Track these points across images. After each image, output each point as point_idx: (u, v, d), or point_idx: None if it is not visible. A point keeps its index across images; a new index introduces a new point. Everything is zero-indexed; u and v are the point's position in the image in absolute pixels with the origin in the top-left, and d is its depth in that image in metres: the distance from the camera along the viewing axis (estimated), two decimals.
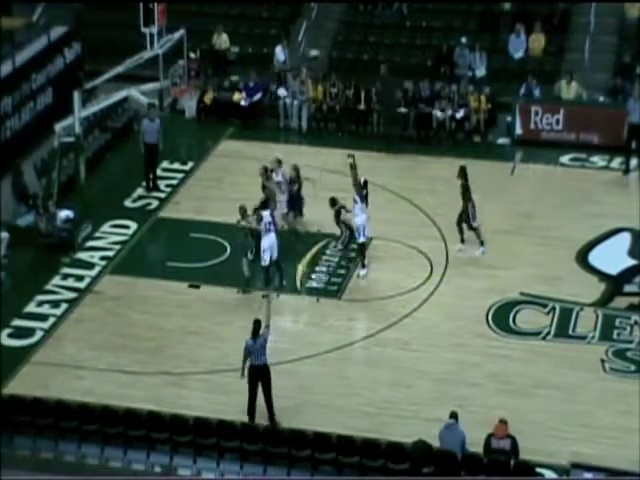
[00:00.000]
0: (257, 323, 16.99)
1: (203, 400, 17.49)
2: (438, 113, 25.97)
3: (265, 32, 29.24)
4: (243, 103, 26.90)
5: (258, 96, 27.02)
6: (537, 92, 26.18)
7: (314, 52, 27.93)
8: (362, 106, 26.55)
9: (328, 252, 21.56)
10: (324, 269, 21.01)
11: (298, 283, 20.71)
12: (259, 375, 16.73)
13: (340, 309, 19.75)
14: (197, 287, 20.34)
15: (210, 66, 28.05)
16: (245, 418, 16.54)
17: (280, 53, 27.59)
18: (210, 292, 19.86)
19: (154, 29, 26.24)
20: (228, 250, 21.48)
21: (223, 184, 24.05)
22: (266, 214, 20.06)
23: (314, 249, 21.59)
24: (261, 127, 26.85)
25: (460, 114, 25.94)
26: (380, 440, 15.75)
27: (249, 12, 29.64)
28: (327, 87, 26.82)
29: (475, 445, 15.70)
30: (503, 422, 15.71)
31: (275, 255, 19.99)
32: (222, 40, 28.55)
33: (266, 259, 19.91)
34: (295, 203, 22.03)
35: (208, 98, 27.09)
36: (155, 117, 23.69)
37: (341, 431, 16.13)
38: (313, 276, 20.77)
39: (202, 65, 27.79)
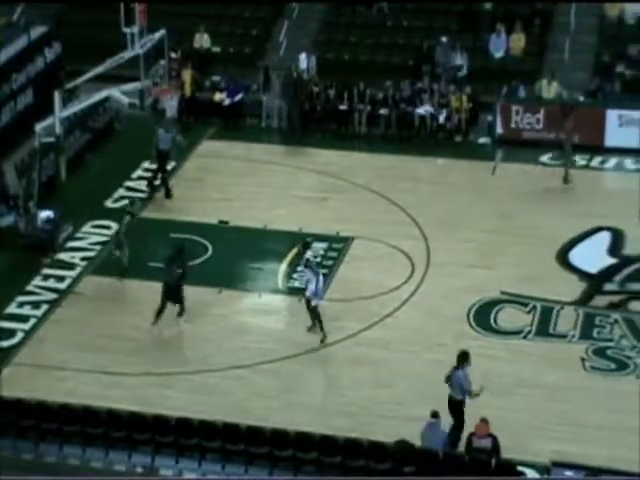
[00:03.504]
0: None
1: (185, 400, 17.48)
2: (421, 110, 26.00)
3: (247, 32, 29.23)
4: (225, 103, 26.90)
5: (239, 96, 27.01)
6: (522, 93, 26.29)
7: None
8: (344, 106, 26.59)
9: (310, 251, 21.52)
10: (316, 256, 20.90)
11: (280, 283, 20.73)
12: None
13: (323, 309, 19.73)
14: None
15: (191, 66, 27.94)
16: (228, 418, 16.50)
17: (303, 60, 27.43)
18: (192, 292, 19.84)
19: (135, 29, 26.20)
20: (209, 250, 21.48)
21: (204, 184, 24.04)
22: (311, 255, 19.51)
23: (296, 248, 21.60)
24: (242, 127, 26.85)
25: (443, 115, 26.02)
26: (362, 440, 15.76)
27: (231, 12, 29.62)
28: (309, 87, 26.84)
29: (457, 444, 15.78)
30: (484, 421, 15.76)
31: None
32: (204, 40, 28.53)
33: None
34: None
35: (188, 89, 26.90)
36: (171, 128, 23.99)
37: (323, 431, 16.13)
38: (295, 275, 20.78)
39: (183, 65, 27.71)
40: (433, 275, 20.81)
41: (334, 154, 25.60)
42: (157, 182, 23.82)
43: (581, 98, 26.40)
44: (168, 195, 23.62)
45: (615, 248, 21.42)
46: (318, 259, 20.41)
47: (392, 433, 16.07)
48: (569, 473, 15.39)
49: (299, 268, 20.25)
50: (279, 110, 26.78)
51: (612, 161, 24.80)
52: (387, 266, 21.11)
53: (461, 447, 15.78)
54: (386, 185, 23.96)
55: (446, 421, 16.05)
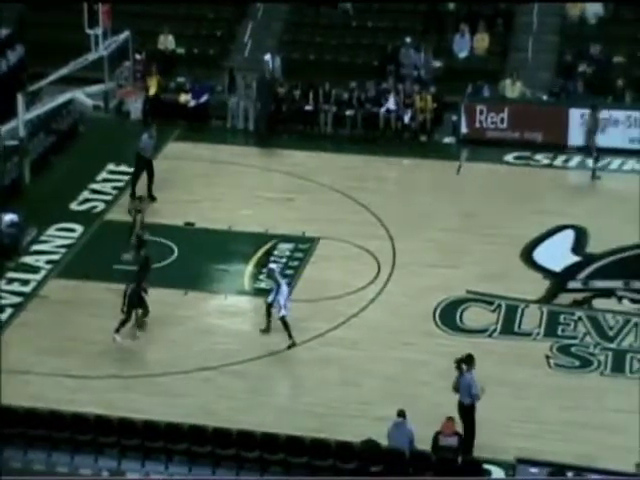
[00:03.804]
0: None
1: (151, 403, 17.43)
2: (386, 107, 26.10)
3: (211, 33, 29.19)
4: (190, 104, 26.86)
5: (205, 97, 26.98)
6: (486, 92, 26.44)
7: None
8: (310, 106, 26.64)
9: (276, 252, 21.59)
10: (279, 265, 20.95)
11: (246, 284, 20.73)
12: None
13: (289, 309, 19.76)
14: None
15: (156, 68, 27.86)
16: (194, 420, 16.48)
17: (268, 61, 27.42)
18: (158, 294, 19.80)
19: (99, 30, 26.15)
20: (175, 252, 21.44)
21: (169, 186, 23.95)
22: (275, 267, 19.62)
23: (262, 249, 21.61)
24: (208, 128, 26.81)
25: (407, 115, 26.13)
26: (329, 440, 15.82)
27: (195, 13, 29.54)
28: (273, 87, 26.86)
29: (423, 443, 15.81)
30: (450, 419, 15.88)
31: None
32: (168, 41, 28.46)
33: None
34: None
35: (152, 90, 26.85)
36: (153, 134, 23.67)
37: (290, 431, 16.18)
38: (261, 277, 20.78)
39: (148, 67, 27.64)
40: (399, 275, 20.89)
41: (300, 155, 25.63)
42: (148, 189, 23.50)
43: (544, 97, 26.61)
44: (134, 197, 23.48)
45: (579, 246, 21.59)
46: (281, 267, 20.25)
47: (359, 433, 16.12)
48: (534, 470, 15.51)
49: (262, 276, 20.18)
50: (245, 111, 26.76)
51: (575, 160, 24.99)
52: (353, 266, 21.16)
53: (428, 445, 15.81)
54: (352, 185, 24.02)
55: (414, 420, 16.05)
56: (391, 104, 26.30)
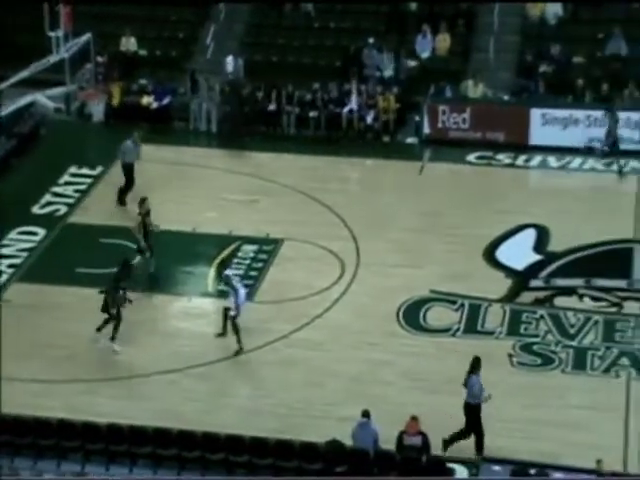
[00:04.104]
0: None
1: (116, 407, 17.38)
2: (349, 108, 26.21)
3: (173, 35, 29.11)
4: (152, 106, 26.80)
5: (167, 99, 26.94)
6: (448, 93, 26.60)
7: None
8: (272, 108, 26.66)
9: (240, 255, 21.60)
10: (236, 272, 21.01)
11: (210, 286, 20.73)
12: None
13: (253, 311, 19.76)
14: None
15: (118, 70, 27.80)
16: (159, 423, 16.45)
17: (231, 63, 27.42)
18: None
19: (60, 33, 26.03)
20: (138, 255, 21.39)
21: (133, 188, 23.86)
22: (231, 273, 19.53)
23: (226, 251, 21.61)
24: (170, 130, 26.76)
25: (370, 116, 26.23)
26: (293, 441, 15.86)
27: (157, 15, 29.44)
28: (236, 89, 26.84)
29: (388, 442, 15.89)
30: (414, 419, 15.93)
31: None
32: (130, 43, 28.37)
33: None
34: None
35: (115, 100, 26.88)
36: (137, 140, 23.50)
37: (255, 433, 16.21)
38: (219, 285, 20.71)
39: (110, 69, 27.56)
40: (363, 275, 20.97)
41: (263, 156, 25.66)
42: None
43: (506, 97, 26.80)
44: (122, 203, 23.26)
45: (540, 245, 21.77)
46: (236, 272, 20.14)
47: (324, 433, 16.17)
48: (497, 468, 15.66)
49: (220, 286, 20.13)
50: (207, 113, 26.74)
51: (536, 159, 25.18)
52: (317, 267, 21.21)
53: (392, 445, 15.88)
54: (315, 186, 24.07)
55: (379, 420, 16.11)
56: (354, 105, 26.40)
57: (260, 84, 26.90)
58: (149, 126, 26.55)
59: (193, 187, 24.12)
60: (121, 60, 28.13)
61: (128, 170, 23.34)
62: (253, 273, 21.04)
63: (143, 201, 21.02)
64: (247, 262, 21.37)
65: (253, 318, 19.45)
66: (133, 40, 28.37)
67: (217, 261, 21.29)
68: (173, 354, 18.79)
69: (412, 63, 27.40)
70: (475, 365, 16.50)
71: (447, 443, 16.25)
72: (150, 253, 20.76)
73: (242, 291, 19.03)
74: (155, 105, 26.82)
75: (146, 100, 26.91)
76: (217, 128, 26.69)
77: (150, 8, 29.31)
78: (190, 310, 20.14)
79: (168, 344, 19.09)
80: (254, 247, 21.77)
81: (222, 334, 19.10)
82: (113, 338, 18.76)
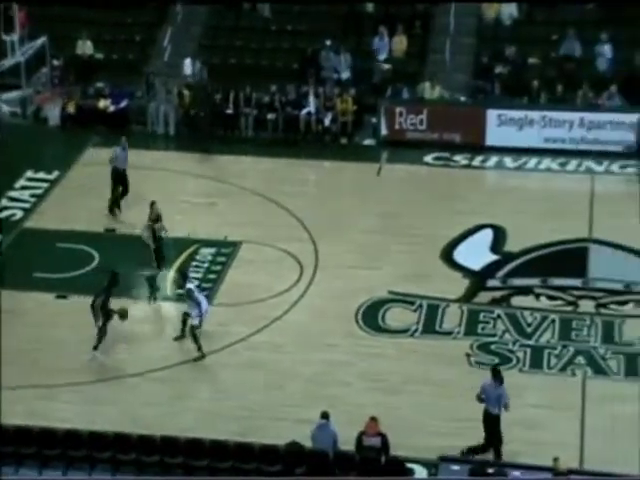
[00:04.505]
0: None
1: (75, 412, 17.32)
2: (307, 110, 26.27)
3: (130, 38, 29.02)
4: (109, 110, 26.71)
5: (124, 102, 26.85)
6: (405, 94, 26.75)
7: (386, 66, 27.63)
8: (230, 110, 26.67)
9: (198, 258, 21.59)
10: (195, 275, 21.00)
11: (169, 290, 20.69)
12: None
13: (212, 314, 19.74)
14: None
15: (74, 73, 27.67)
16: (118, 428, 16.39)
17: (189, 65, 27.36)
18: (78, 302, 19.67)
19: (15, 36, 25.86)
20: (96, 259, 21.31)
21: (90, 192, 23.78)
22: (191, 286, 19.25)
23: (184, 255, 21.58)
24: (128, 134, 26.62)
25: (328, 118, 26.31)
26: (253, 443, 15.88)
27: (113, 18, 29.32)
28: (194, 92, 26.82)
29: (347, 443, 15.94)
30: (373, 420, 15.99)
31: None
32: (86, 46, 28.24)
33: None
34: None
35: (72, 106, 26.76)
36: (126, 145, 23.22)
37: (215, 436, 16.20)
38: (181, 296, 20.67)
39: (66, 72, 27.42)
40: (321, 277, 21.03)
41: (221, 159, 25.67)
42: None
43: (462, 99, 26.99)
44: (113, 212, 22.96)
45: (497, 245, 21.95)
46: (197, 284, 19.83)
47: (283, 435, 16.19)
48: (456, 468, 15.76)
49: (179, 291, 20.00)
50: (165, 116, 26.70)
51: (493, 160, 25.41)
52: (276, 269, 21.25)
53: (352, 446, 15.94)
54: (273, 189, 24.11)
55: (338, 422, 16.16)
56: (311, 107, 26.48)
57: (218, 87, 26.90)
58: (106, 130, 26.50)
59: (151, 190, 23.97)
60: (77, 64, 28.00)
61: (120, 177, 22.96)
62: (211, 276, 21.03)
63: (152, 205, 20.71)
64: (205, 265, 21.37)
65: (212, 321, 19.42)
66: (89, 43, 28.25)
67: (175, 266, 21.23)
68: (132, 358, 18.75)
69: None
70: (495, 375, 16.38)
71: (468, 452, 16.23)
72: (158, 260, 20.54)
73: (204, 303, 18.95)
74: (112, 108, 26.74)
75: (103, 103, 26.82)
76: (175, 131, 26.65)
77: (106, 11, 29.19)
78: (149, 314, 20.09)
79: (128, 348, 19.04)
80: (212, 250, 21.77)
81: (180, 337, 19.08)
82: (96, 348, 18.65)
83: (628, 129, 25.19)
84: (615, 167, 24.95)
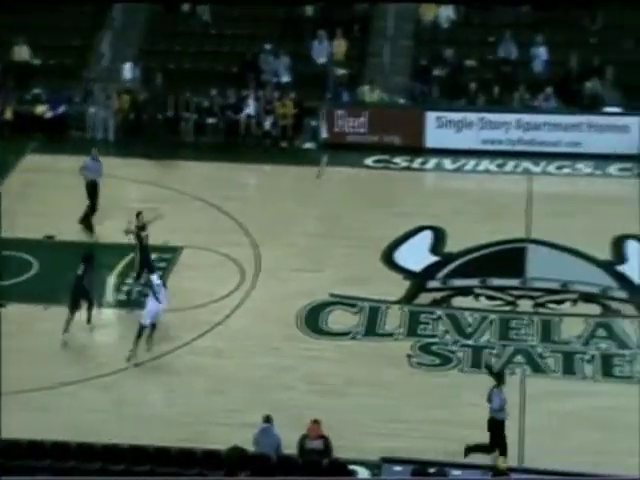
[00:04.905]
0: None
1: (14, 421, 17.09)
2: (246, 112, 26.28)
3: (68, 43, 28.79)
4: (47, 115, 26.49)
5: (62, 108, 26.65)
6: (345, 97, 26.90)
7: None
8: (170, 115, 26.60)
9: (154, 275, 21.42)
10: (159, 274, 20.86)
11: (110, 296, 20.58)
12: None
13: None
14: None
15: (11, 79, 27.39)
16: (59, 436, 16.24)
17: (129, 70, 27.19)
18: (17, 310, 19.50)
19: None
20: (35, 266, 21.12)
21: (28, 199, 23.59)
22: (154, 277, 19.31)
23: (125, 260, 21.47)
24: (67, 140, 26.48)
25: (268, 122, 26.37)
26: (196, 449, 15.84)
27: (51, 23, 29.06)
28: (134, 97, 26.72)
29: (290, 447, 15.98)
30: (316, 422, 16.03)
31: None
32: (23, 52, 27.97)
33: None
34: None
35: (9, 112, 26.49)
36: (97, 156, 22.89)
37: (158, 442, 16.13)
38: (125, 288, 20.66)
39: (3, 78, 27.15)
40: (263, 281, 21.06)
41: (162, 164, 25.57)
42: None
43: (401, 101, 27.20)
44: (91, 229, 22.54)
45: (437, 246, 22.15)
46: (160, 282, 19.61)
47: (226, 440, 16.14)
48: (398, 468, 15.87)
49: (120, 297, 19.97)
50: (104, 121, 26.55)
51: (432, 162, 25.65)
52: (217, 274, 21.24)
53: (295, 450, 16.00)
54: (214, 193, 24.10)
55: (281, 425, 16.17)
56: (251, 111, 26.50)
57: (157, 91, 26.81)
58: (44, 136, 26.28)
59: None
60: (15, 69, 27.72)
61: (93, 189, 22.56)
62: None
63: (138, 215, 20.49)
64: (158, 282, 21.22)
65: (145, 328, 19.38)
66: (26, 49, 27.98)
67: (116, 272, 21.13)
68: (72, 365, 18.62)
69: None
70: (498, 379, 16.36)
71: (469, 450, 16.21)
72: (141, 269, 20.29)
73: (160, 303, 18.79)
74: (49, 114, 26.53)
75: (40, 109, 26.59)
76: (114, 136, 26.52)
77: (44, 16, 28.94)
78: (93, 320, 19.94)
79: (67, 355, 18.90)
80: (153, 256, 21.60)
81: (149, 337, 18.89)
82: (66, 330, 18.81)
83: (563, 130, 25.62)
84: (552, 168, 25.36)
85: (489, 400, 16.21)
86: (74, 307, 19.16)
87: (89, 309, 19.40)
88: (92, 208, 22.51)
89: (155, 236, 22.17)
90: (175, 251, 21.90)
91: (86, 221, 22.50)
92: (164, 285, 19.16)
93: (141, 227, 20.42)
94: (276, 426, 16.05)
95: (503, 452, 16.11)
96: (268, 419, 16.06)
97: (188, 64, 28.18)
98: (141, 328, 18.78)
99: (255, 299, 20.53)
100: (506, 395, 16.20)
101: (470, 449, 16.27)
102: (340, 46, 28.32)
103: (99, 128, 26.58)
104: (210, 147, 26.33)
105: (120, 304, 20.27)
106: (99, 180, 22.62)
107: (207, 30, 29.10)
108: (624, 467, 15.73)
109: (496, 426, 16.13)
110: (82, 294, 19.24)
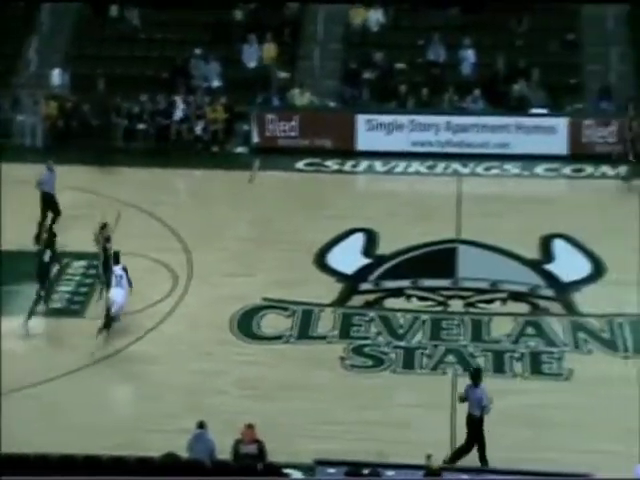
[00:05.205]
0: None
1: None
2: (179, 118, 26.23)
3: None
4: None
5: None
6: (276, 101, 26.96)
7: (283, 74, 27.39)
8: (100, 121, 26.43)
9: (70, 271, 21.34)
10: (66, 288, 20.78)
11: (39, 304, 20.36)
12: None
13: (85, 327, 19.59)
14: None
15: None
16: None
17: (57, 76, 26.92)
18: None
19: None
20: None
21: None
22: (117, 268, 19.38)
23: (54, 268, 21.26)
24: None
25: (199, 127, 26.34)
26: (128, 456, 15.75)
27: None
28: (62, 103, 26.50)
29: (224, 452, 15.95)
30: (250, 427, 16.03)
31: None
32: None
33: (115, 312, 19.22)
34: None
35: None
36: (53, 167, 22.64)
37: (90, 451, 15.99)
38: (55, 296, 20.48)
39: None
40: (196, 286, 21.03)
41: (92, 170, 25.39)
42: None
43: (332, 104, 27.34)
44: (39, 241, 21.99)
45: (369, 248, 22.30)
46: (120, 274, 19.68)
47: (160, 447, 16.07)
48: (332, 470, 15.93)
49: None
50: (32, 128, 26.29)
51: (363, 164, 25.82)
52: (150, 280, 21.12)
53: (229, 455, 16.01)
54: (146, 199, 24.02)
55: (215, 430, 16.12)
56: (182, 116, 26.45)
57: (86, 97, 26.62)
58: None
59: (20, 203, 23.59)
60: None
61: (49, 201, 22.33)
62: (83, 289, 20.82)
63: (104, 227, 20.29)
64: (77, 278, 21.14)
65: (86, 334, 19.26)
66: None
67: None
68: (3, 374, 18.38)
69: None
70: (476, 376, 16.35)
71: (452, 459, 16.19)
72: (105, 281, 19.99)
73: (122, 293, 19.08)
74: None
75: None
76: (42, 143, 26.27)
77: None
78: (17, 330, 19.73)
79: None
80: (84, 263, 21.55)
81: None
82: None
83: (491, 131, 25.96)
84: (480, 169, 25.68)
85: (465, 398, 16.26)
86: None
87: (36, 300, 19.36)
88: (45, 218, 22.42)
89: (85, 244, 22.02)
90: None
91: (50, 231, 22.17)
92: (125, 271, 19.41)
93: (107, 239, 20.23)
94: (210, 431, 16.02)
95: (482, 451, 16.18)
96: (202, 425, 16.04)
97: (117, 69, 28.00)
98: (112, 319, 18.98)
99: (188, 304, 20.49)
100: (485, 392, 16.13)
101: (453, 458, 16.23)
102: (270, 50, 28.38)
103: (27, 135, 26.31)
104: (141, 153, 26.22)
105: (49, 313, 20.03)
106: (53, 192, 22.55)
107: (136, 35, 28.97)
108: (555, 463, 15.92)
109: (474, 423, 16.17)
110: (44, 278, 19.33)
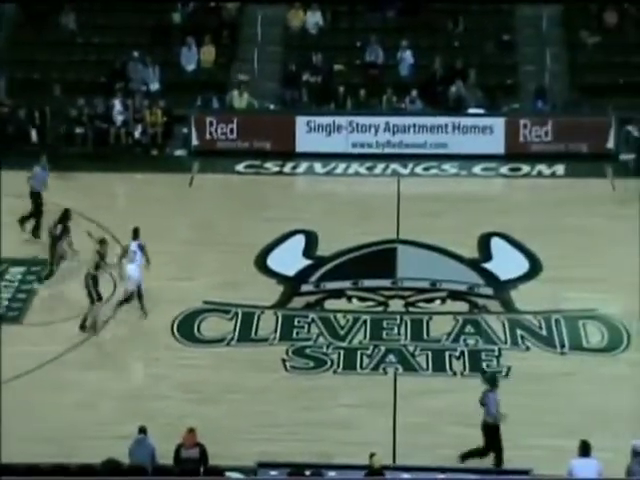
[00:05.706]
0: None
1: None
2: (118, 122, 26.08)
3: None
4: None
5: None
6: (215, 104, 26.91)
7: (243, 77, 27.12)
8: (36, 127, 26.19)
9: (8, 277, 21.12)
10: (5, 295, 20.54)
11: None
12: None
13: (22, 334, 19.39)
14: None
15: None
16: None
17: None
18: None
19: None
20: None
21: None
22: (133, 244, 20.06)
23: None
24: None
25: (138, 130, 26.21)
26: (69, 464, 15.63)
27: None
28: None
29: (166, 457, 15.86)
30: (191, 431, 15.96)
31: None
32: None
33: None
34: None
35: None
36: (46, 165, 22.47)
37: (29, 460, 15.84)
38: (3, 304, 20.24)
39: None
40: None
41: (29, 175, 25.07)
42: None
43: (271, 107, 27.36)
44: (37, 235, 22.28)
45: (310, 250, 22.34)
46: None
47: (101, 454, 15.92)
48: (274, 472, 15.96)
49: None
50: None
51: (303, 166, 25.89)
52: None
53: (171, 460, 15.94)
54: (85, 204, 23.74)
55: (156, 435, 16.04)
56: (121, 119, 26.28)
57: (22, 102, 26.36)
58: None
59: None
60: None
61: (35, 199, 22.22)
62: (21, 295, 20.62)
63: (103, 243, 20.06)
64: (15, 284, 20.92)
65: (24, 340, 19.07)
66: None
67: None
68: None
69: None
70: (491, 382, 16.18)
71: (465, 457, 16.09)
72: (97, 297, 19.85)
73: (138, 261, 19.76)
74: None
75: None
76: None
77: None
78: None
79: None
80: (22, 269, 21.34)
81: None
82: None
83: (429, 132, 26.17)
84: (419, 169, 25.87)
85: (482, 404, 16.07)
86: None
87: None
88: (36, 217, 22.45)
89: (24, 250, 21.88)
90: (44, 264, 21.52)
91: (35, 232, 22.37)
92: (141, 248, 20.02)
93: (102, 256, 20.00)
94: (151, 436, 15.94)
95: (498, 456, 16.04)
96: (142, 430, 15.95)
97: (54, 74, 27.72)
98: (130, 294, 19.64)
99: (128, 309, 20.32)
100: (494, 399, 15.94)
101: (466, 455, 16.15)
102: (209, 53, 28.32)
103: None
104: (79, 157, 25.99)
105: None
106: (41, 190, 22.44)
107: (73, 39, 28.72)
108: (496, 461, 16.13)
109: (490, 430, 15.98)
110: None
